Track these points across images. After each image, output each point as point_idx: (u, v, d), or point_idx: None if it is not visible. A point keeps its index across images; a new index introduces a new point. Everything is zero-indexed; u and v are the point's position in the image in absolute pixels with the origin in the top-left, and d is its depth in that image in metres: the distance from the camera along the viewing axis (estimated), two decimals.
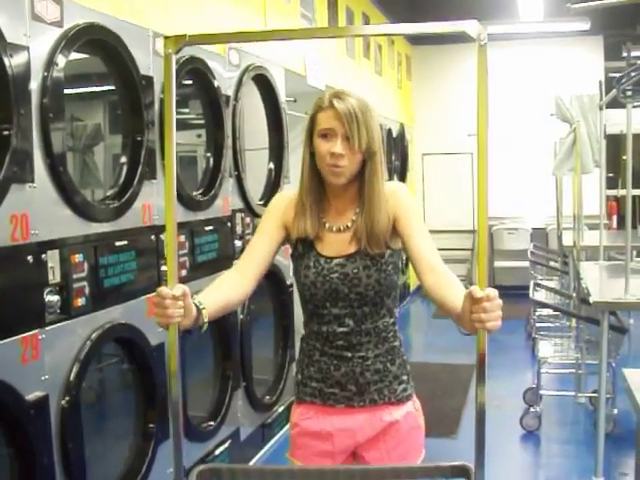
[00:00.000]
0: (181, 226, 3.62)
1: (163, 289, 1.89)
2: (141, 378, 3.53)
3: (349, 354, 2.28)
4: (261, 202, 4.93)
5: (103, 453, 3.42)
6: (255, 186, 4.92)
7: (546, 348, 5.74)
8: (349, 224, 2.29)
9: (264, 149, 5.25)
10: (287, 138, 5.32)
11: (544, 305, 6.47)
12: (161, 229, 3.60)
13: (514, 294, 8.25)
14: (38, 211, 2.78)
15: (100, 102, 3.89)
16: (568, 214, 7.41)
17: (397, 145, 9.46)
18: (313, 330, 2.33)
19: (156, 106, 3.60)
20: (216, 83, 4.20)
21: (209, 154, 4.32)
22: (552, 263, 8.47)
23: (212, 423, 4.19)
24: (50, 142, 2.83)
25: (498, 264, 10.70)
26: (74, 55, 3.04)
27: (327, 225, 2.31)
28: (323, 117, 2.21)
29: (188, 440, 3.81)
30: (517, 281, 9.64)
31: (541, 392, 5.46)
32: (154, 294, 1.91)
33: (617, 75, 4.60)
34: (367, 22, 8.17)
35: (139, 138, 3.49)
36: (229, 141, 4.39)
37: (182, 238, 3.80)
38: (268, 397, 5.00)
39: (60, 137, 2.90)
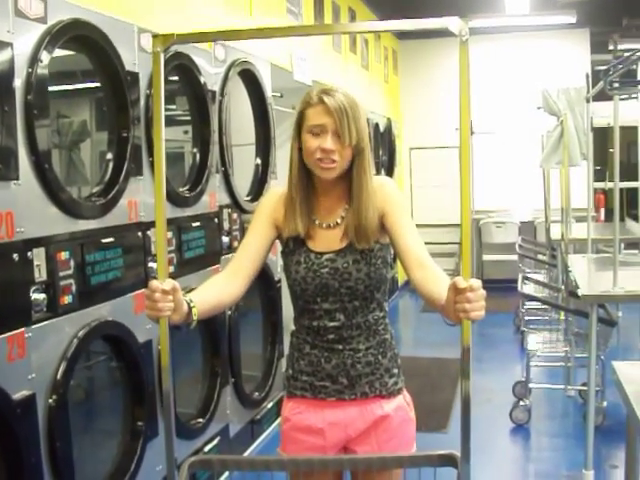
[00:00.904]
0: (168, 222, 3.56)
1: (153, 282, 1.91)
2: (129, 375, 3.51)
3: (340, 347, 2.29)
4: (248, 198, 4.92)
5: (92, 451, 3.40)
6: (242, 182, 4.91)
7: (535, 341, 5.75)
8: (339, 220, 2.30)
9: (251, 145, 5.23)
10: (274, 133, 5.31)
11: (533, 298, 6.48)
12: (148, 226, 3.58)
13: (502, 287, 8.31)
14: (23, 209, 2.76)
15: (86, 99, 3.86)
16: (556, 207, 7.43)
17: (384, 139, 9.45)
18: (304, 325, 2.33)
19: (142, 102, 3.59)
20: (202, 79, 4.18)
21: (196, 150, 4.30)
22: (540, 256, 8.48)
23: (201, 420, 4.18)
24: (35, 139, 2.80)
25: (486, 257, 10.73)
26: (59, 52, 3.01)
27: (317, 222, 2.31)
28: (312, 113, 2.21)
29: (177, 437, 3.79)
30: (505, 274, 9.68)
31: (530, 385, 5.47)
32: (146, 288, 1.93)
33: (604, 68, 4.60)
34: (353, 17, 8.16)
35: (125, 134, 3.48)
36: (216, 137, 4.38)
37: (169, 234, 3.79)
38: (257, 393, 4.99)
39: (45, 134, 2.88)
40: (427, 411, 5.37)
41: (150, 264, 3.58)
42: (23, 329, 2.75)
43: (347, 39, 8.00)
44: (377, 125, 8.85)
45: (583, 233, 6.13)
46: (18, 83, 2.75)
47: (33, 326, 2.80)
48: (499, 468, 4.74)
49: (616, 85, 4.44)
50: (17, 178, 2.74)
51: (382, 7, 9.01)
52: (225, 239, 4.47)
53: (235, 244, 4.49)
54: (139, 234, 3.56)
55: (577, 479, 4.26)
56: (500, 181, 10.47)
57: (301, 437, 2.35)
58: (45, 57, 2.87)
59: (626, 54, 4.53)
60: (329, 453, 2.33)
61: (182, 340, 3.83)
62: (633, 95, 4.98)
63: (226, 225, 4.51)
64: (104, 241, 3.28)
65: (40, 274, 2.83)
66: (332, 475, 2.33)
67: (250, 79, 5.02)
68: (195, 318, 2.05)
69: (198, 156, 4.29)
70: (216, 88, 4.43)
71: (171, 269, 3.77)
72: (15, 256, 2.71)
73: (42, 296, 2.84)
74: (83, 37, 3.19)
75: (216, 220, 4.39)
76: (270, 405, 5.08)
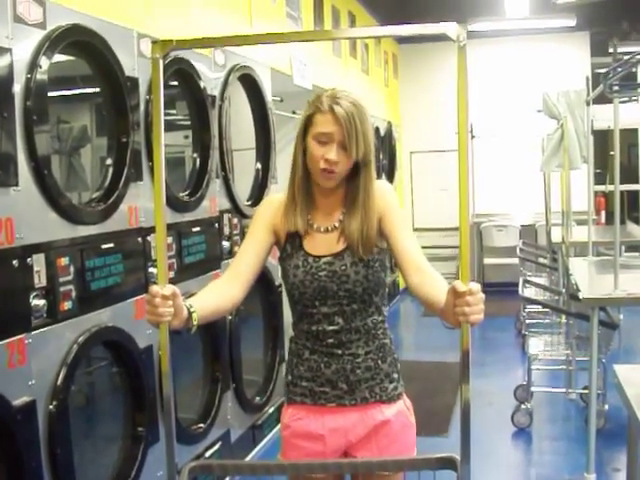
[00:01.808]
0: (168, 227, 3.55)
1: (154, 287, 1.92)
2: (129, 381, 3.51)
3: (339, 351, 2.29)
4: (248, 203, 4.92)
5: (92, 457, 3.40)
6: (242, 187, 4.91)
7: (536, 345, 5.74)
8: (336, 224, 2.30)
9: (251, 149, 5.23)
10: (274, 138, 5.30)
11: (534, 302, 6.48)
12: (148, 231, 3.58)
13: (503, 291, 8.30)
14: (23, 215, 2.76)
15: (85, 104, 3.86)
16: (556, 210, 7.41)
17: (385, 143, 9.46)
18: (303, 330, 2.33)
19: (141, 107, 3.59)
20: (202, 84, 4.18)
21: (196, 155, 4.30)
22: (541, 259, 8.48)
23: (202, 425, 4.17)
24: (34, 145, 2.80)
25: (487, 261, 10.73)
26: (58, 57, 3.01)
27: (315, 226, 2.32)
28: (321, 120, 2.20)
29: (178, 442, 3.77)
30: (506, 278, 9.67)
31: (532, 389, 5.46)
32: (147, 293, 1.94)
33: (604, 71, 4.60)
34: (353, 21, 8.16)
35: (124, 140, 3.47)
36: (216, 142, 4.37)
37: (169, 240, 3.78)
38: (258, 398, 4.98)
39: (44, 140, 2.88)
40: (428, 415, 5.36)
41: (150, 269, 3.58)
42: (23, 335, 2.74)
43: (347, 43, 8.00)
44: (377, 129, 8.85)
45: (584, 236, 6.12)
46: (17, 89, 2.75)
47: (33, 332, 2.80)
48: (501, 472, 4.73)
49: (616, 88, 4.44)
50: (17, 184, 2.74)
51: (381, 11, 9.02)
52: (225, 244, 4.47)
53: (235, 249, 4.48)
54: (139, 239, 3.55)
55: None
56: (501, 184, 10.47)
57: (301, 444, 2.35)
58: (44, 62, 2.87)
59: (626, 57, 4.53)
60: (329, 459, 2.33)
61: (183, 345, 3.82)
62: (633, 98, 4.99)
63: (226, 230, 4.51)
64: (104, 247, 3.27)
65: (40, 280, 2.83)
66: None
67: (250, 84, 5.02)
68: (195, 323, 2.05)
69: (198, 161, 4.29)
70: (216, 93, 4.43)
71: (171, 274, 3.76)
72: (15, 262, 2.70)
73: (42, 302, 2.83)
74: (82, 42, 3.18)
75: (216, 225, 4.39)
76: (271, 410, 5.07)
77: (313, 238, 2.31)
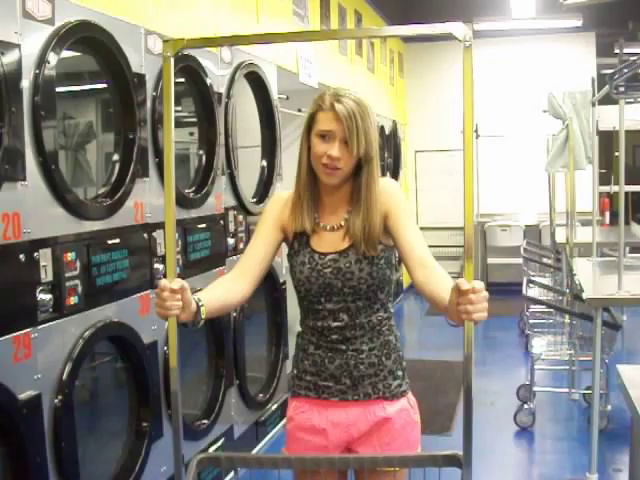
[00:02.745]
0: None
1: (162, 281, 1.95)
2: (134, 376, 3.52)
3: (343, 347, 2.30)
4: (254, 200, 4.93)
5: (97, 452, 3.41)
6: (248, 184, 4.92)
7: (539, 344, 5.74)
8: (342, 222, 2.31)
9: (257, 147, 5.24)
10: (280, 135, 5.31)
11: (537, 302, 6.47)
12: (153, 227, 3.59)
13: (507, 291, 8.32)
14: (30, 209, 2.77)
15: (92, 100, 3.87)
16: (561, 211, 7.42)
17: (390, 142, 9.46)
18: (309, 325, 2.35)
19: (148, 104, 3.60)
20: (208, 81, 4.20)
21: (202, 152, 4.31)
22: (545, 260, 8.46)
23: (206, 421, 4.18)
24: (42, 140, 2.82)
25: (491, 261, 10.73)
26: (66, 53, 3.02)
27: (321, 224, 2.34)
28: (323, 117, 2.22)
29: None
30: (510, 278, 9.67)
31: (535, 389, 5.47)
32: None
33: (609, 72, 4.60)
34: (359, 19, 8.16)
35: (131, 136, 3.48)
36: (221, 139, 4.39)
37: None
38: (261, 395, 5.00)
39: (52, 135, 2.89)
40: (432, 414, 5.37)
41: (156, 265, 3.59)
42: (29, 329, 2.76)
43: (353, 42, 8.00)
44: (382, 128, 8.85)
45: (588, 237, 6.11)
46: (25, 84, 2.76)
47: (39, 327, 2.81)
48: (503, 471, 4.73)
49: (622, 89, 4.44)
50: (24, 179, 2.75)
51: (388, 9, 9.02)
52: (230, 241, 4.48)
53: (241, 246, 4.50)
54: (145, 235, 3.57)
55: None
56: (505, 184, 10.47)
57: (304, 437, 2.36)
58: (52, 58, 2.88)
59: (632, 58, 4.53)
60: (332, 453, 2.34)
61: (187, 341, 3.84)
62: (639, 99, 4.98)
63: (232, 227, 4.52)
64: (110, 242, 3.28)
65: (46, 275, 2.84)
66: (336, 475, 2.33)
67: (256, 81, 5.03)
68: (203, 317, 2.08)
69: (204, 158, 4.30)
70: (222, 90, 4.44)
71: (176, 271, 3.77)
72: (21, 257, 2.72)
73: (48, 297, 2.84)
74: (90, 39, 3.20)
75: (222, 222, 4.40)
76: (275, 407, 5.09)
77: (320, 236, 2.32)
